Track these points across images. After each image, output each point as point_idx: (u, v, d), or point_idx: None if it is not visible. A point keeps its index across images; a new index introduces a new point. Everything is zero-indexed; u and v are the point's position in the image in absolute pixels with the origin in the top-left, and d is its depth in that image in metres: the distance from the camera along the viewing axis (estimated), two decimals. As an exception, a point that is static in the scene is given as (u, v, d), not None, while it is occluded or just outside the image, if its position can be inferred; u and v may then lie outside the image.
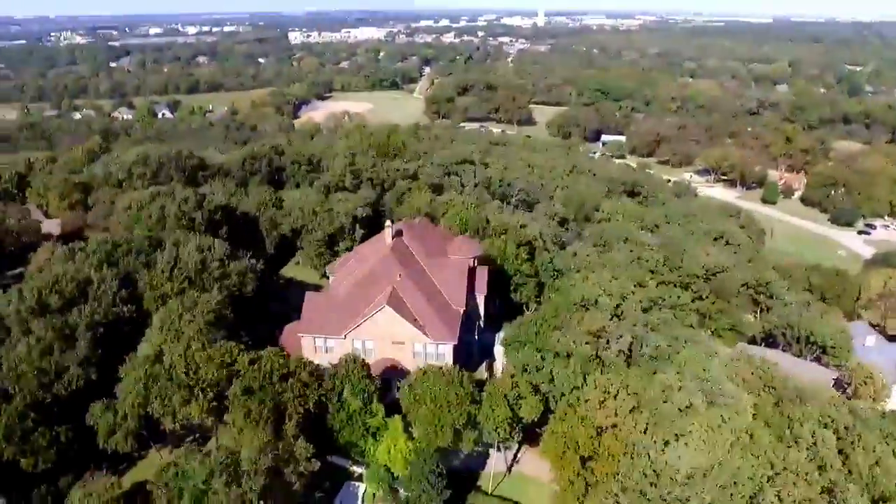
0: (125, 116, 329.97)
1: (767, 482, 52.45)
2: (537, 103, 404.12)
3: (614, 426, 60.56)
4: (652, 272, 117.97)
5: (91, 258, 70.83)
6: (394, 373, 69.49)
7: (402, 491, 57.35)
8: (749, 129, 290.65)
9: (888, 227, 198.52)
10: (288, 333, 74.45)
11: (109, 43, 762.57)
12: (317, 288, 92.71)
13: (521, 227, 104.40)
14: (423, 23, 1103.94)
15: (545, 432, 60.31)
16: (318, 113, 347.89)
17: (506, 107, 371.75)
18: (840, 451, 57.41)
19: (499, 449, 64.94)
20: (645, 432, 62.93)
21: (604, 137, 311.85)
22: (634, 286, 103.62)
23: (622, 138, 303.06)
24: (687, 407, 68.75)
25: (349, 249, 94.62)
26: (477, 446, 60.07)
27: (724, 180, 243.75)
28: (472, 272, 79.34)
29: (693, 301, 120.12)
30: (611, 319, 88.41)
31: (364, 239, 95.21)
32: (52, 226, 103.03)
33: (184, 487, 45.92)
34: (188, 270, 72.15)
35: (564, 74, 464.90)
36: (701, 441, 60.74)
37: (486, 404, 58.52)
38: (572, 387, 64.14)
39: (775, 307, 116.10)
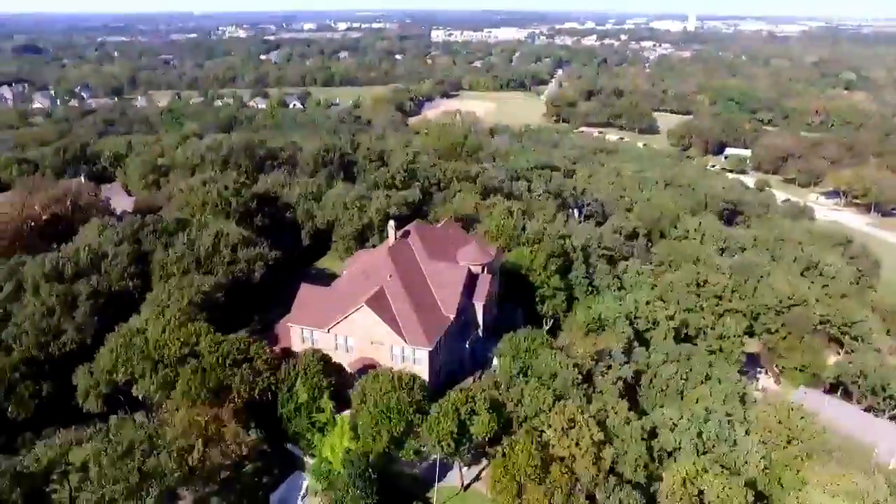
0: (259, 105, 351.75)
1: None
2: (664, 111, 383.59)
3: (572, 457, 55.49)
4: (718, 298, 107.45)
5: (116, 235, 77.19)
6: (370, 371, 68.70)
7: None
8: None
9: None
10: (283, 322, 76.30)
11: (265, 37, 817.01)
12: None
13: (560, 237, 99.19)
14: (568, 25, 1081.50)
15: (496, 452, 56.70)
16: (434, 111, 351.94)
17: (628, 113, 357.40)
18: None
19: (466, 464, 62.10)
20: (612, 471, 57.29)
21: (727, 150, 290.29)
22: (678, 310, 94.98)
23: (747, 152, 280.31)
24: (675, 449, 61.82)
25: (375, 246, 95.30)
26: (418, 457, 57.72)
27: (856, 204, 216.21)
28: (474, 279, 76.55)
29: (758, 334, 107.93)
30: (630, 343, 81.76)
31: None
32: (127, 204, 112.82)
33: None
34: (199, 253, 76.33)
35: (701, 82, 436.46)
36: (671, 487, 54.21)
37: (433, 416, 56.08)
38: (537, 409, 59.63)
39: (858, 351, 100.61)
